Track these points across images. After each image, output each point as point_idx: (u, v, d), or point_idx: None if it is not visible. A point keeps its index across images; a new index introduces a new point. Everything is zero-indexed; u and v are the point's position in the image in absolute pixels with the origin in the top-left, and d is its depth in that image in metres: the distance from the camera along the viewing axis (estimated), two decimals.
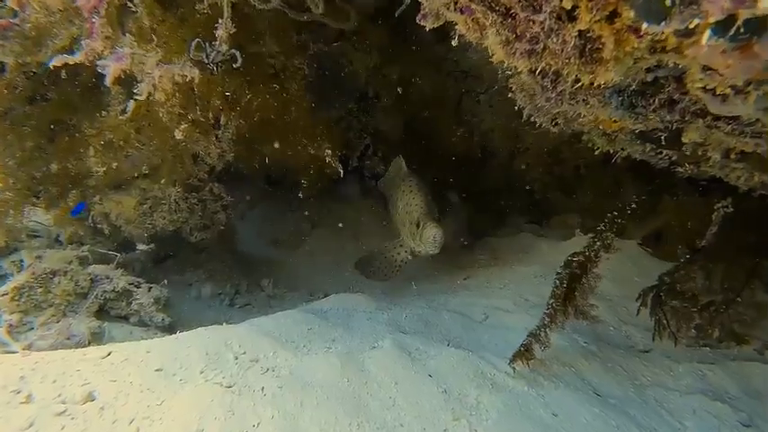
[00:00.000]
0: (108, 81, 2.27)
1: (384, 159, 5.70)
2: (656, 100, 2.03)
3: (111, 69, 2.23)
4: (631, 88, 2.06)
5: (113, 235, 3.87)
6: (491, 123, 5.10)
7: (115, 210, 3.65)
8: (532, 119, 3.02)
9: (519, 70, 2.08)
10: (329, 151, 3.99)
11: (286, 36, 3.82)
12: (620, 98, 2.11)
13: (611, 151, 3.06)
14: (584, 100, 2.05)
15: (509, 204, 5.91)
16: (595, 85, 1.80)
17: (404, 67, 5.00)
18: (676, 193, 3.29)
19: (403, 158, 4.81)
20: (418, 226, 4.15)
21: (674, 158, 2.78)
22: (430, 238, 3.93)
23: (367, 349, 2.56)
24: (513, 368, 2.57)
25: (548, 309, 2.60)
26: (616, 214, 2.87)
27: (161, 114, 2.75)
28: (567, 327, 2.94)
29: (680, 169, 2.88)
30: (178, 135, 2.83)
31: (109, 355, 2.07)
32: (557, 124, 3.07)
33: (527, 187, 5.27)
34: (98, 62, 2.22)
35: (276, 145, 3.99)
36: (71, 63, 2.19)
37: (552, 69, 1.83)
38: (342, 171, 4.00)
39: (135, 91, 2.41)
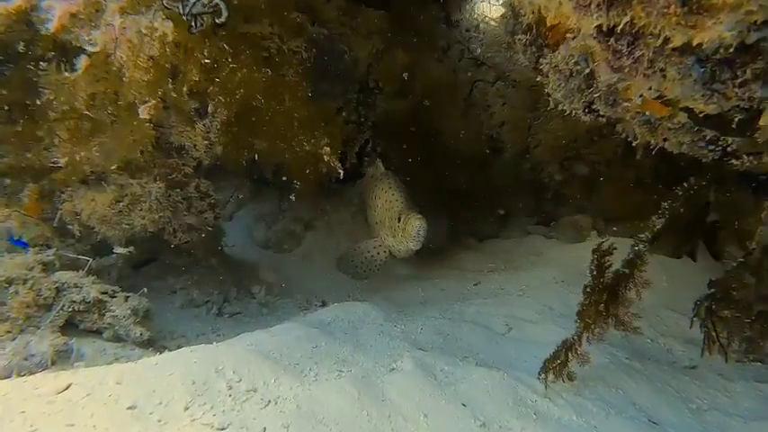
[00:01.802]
0: (52, 26, 1.81)
1: (384, 155, 5.30)
2: (749, 71, 1.68)
3: (56, 12, 1.78)
4: (717, 56, 1.70)
5: (86, 237, 3.40)
6: (502, 116, 4.73)
7: (87, 208, 3.18)
8: (561, 106, 2.67)
9: (583, 32, 1.71)
10: (328, 148, 3.54)
11: (283, 14, 3.41)
12: (702, 69, 1.74)
13: (652, 143, 2.70)
14: (661, 70, 1.68)
15: (516, 205, 5.56)
16: (694, 44, 1.43)
17: (407, 55, 4.61)
18: (728, 190, 2.95)
19: (380, 160, 4.81)
20: (400, 220, 3.94)
21: (729, 149, 2.42)
22: (413, 230, 3.76)
23: (385, 372, 2.16)
24: (545, 384, 2.20)
25: (581, 315, 2.22)
26: (669, 208, 2.49)
27: (123, 82, 2.26)
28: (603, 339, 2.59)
29: (734, 162, 2.52)
30: (143, 113, 2.36)
31: (67, 388, 1.63)
32: (591, 111, 2.69)
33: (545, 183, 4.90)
34: (41, 3, 1.77)
35: (266, 138, 3.54)
36: (5, 13, 1.74)
37: (637, 26, 1.46)
38: (342, 171, 3.55)
39: (87, 39, 1.94)
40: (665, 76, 1.70)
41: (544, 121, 4.48)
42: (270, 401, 1.79)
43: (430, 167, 4.95)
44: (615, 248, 2.28)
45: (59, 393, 1.61)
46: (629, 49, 1.59)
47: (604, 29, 1.56)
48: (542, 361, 2.68)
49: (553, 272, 4.08)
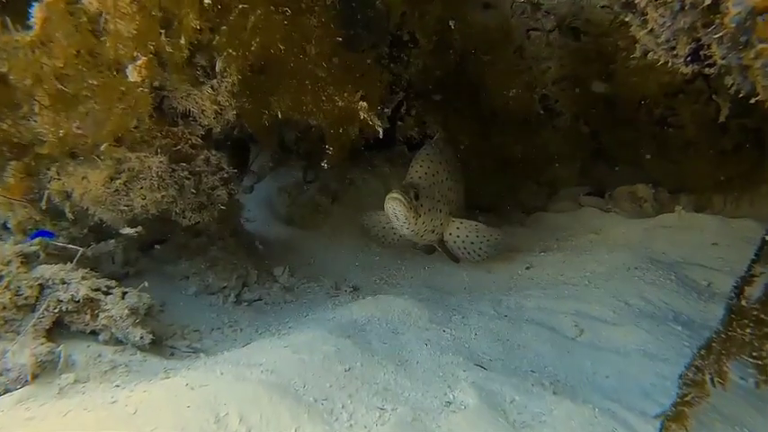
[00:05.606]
0: None
1: (420, 118, 4.69)
2: None
3: None
4: None
5: (82, 219, 2.96)
6: (560, 71, 4.03)
7: (78, 187, 2.72)
8: (651, 55, 2.09)
9: None
10: (364, 103, 2.95)
11: None
12: None
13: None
14: None
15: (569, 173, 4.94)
16: None
17: (447, 2, 3.93)
18: None
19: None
20: None
21: None
22: (388, 210, 3.35)
23: (440, 408, 1.65)
24: None
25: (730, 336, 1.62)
26: None
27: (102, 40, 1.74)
28: None
29: None
30: (132, 75, 1.83)
31: None
32: (697, 60, 2.08)
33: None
34: None
35: (289, 95, 2.97)
36: None
37: None
38: (381, 129, 2.98)
39: None
40: None
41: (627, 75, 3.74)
42: None
43: (474, 131, 4.33)
44: None
45: None
46: None
47: None
48: (629, 378, 2.16)
49: (622, 256, 3.47)
